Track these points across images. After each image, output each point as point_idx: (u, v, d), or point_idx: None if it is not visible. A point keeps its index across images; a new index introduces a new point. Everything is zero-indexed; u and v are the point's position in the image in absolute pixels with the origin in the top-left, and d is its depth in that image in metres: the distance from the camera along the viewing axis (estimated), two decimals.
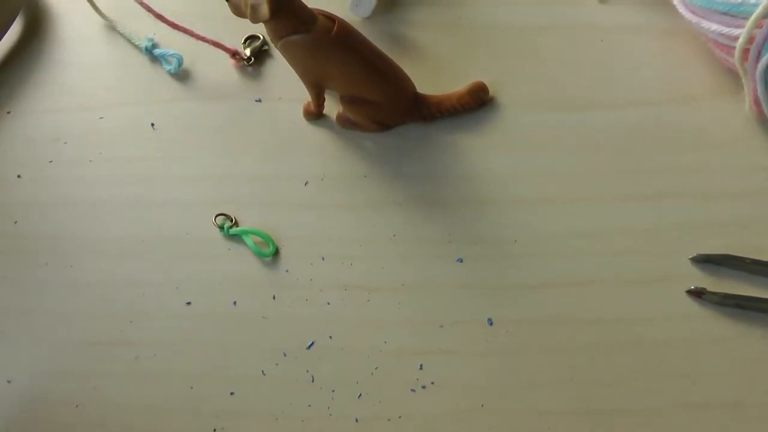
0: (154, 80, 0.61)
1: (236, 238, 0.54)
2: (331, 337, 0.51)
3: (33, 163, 0.58)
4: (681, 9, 0.56)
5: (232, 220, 0.54)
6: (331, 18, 0.52)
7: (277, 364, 0.50)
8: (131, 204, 0.56)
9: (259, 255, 0.53)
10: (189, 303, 0.52)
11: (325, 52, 0.51)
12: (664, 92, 0.57)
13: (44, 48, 0.63)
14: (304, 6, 0.51)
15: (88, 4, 0.63)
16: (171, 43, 0.62)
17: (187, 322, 0.52)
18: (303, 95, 0.57)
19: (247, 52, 0.61)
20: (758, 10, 0.48)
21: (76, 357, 0.51)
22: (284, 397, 0.50)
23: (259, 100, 0.60)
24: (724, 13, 0.51)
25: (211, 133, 0.58)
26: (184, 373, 0.51)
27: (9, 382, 0.51)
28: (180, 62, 0.61)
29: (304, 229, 0.54)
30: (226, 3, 0.51)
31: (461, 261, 0.52)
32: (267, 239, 0.53)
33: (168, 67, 0.61)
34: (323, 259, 0.53)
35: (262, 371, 0.50)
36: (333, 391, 0.50)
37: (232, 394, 0.50)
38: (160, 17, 0.60)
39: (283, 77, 0.60)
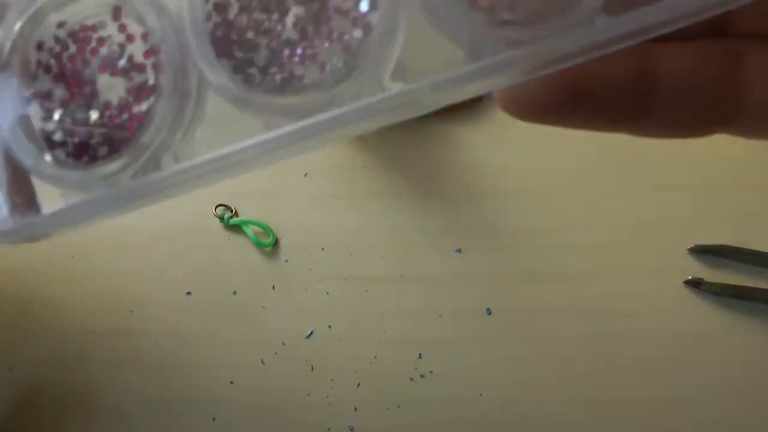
0: None
1: (236, 228, 0.54)
2: (330, 326, 0.51)
3: None
4: None
5: (232, 211, 0.55)
6: None
7: (276, 354, 0.51)
8: None
9: (259, 245, 0.53)
10: (189, 293, 0.52)
11: None
12: None
13: None
14: None
15: None
16: None
17: (187, 311, 0.52)
18: None
19: None
20: None
21: (76, 346, 0.52)
22: (283, 386, 0.50)
23: None
24: None
25: None
26: (184, 362, 0.51)
27: (10, 370, 0.51)
28: None
29: (303, 219, 0.54)
30: None
31: (460, 251, 0.52)
32: (267, 230, 0.54)
33: None
34: (322, 249, 0.53)
35: (262, 360, 0.51)
36: (332, 380, 0.50)
37: (231, 383, 0.50)
38: None
39: None
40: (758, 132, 0.26)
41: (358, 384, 0.50)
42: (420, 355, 0.50)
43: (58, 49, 0.30)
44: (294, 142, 0.25)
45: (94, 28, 0.30)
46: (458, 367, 0.49)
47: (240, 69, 0.27)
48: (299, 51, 0.27)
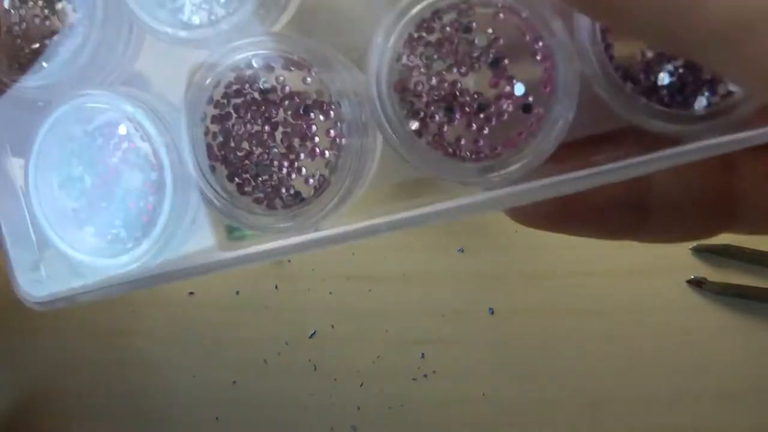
0: None
1: (238, 228, 0.54)
2: (333, 326, 0.51)
3: None
4: None
5: None
6: None
7: (279, 354, 0.51)
8: None
9: None
10: (192, 293, 0.52)
11: None
12: None
13: None
14: None
15: None
16: None
17: (190, 311, 0.52)
18: None
19: None
20: None
21: (80, 346, 0.51)
22: (286, 385, 0.50)
23: None
24: None
25: None
26: (187, 362, 0.51)
27: (11, 370, 0.51)
28: None
29: None
30: None
31: (462, 251, 0.52)
32: None
33: None
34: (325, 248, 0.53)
35: (264, 360, 0.50)
36: (335, 379, 0.50)
37: (234, 383, 0.50)
38: None
39: None
40: (759, 232, 0.26)
41: (361, 384, 0.50)
42: (423, 354, 0.50)
43: (87, 140, 0.33)
44: (270, 256, 0.27)
45: (115, 125, 0.33)
46: (461, 367, 0.50)
47: (234, 176, 0.30)
48: (286, 163, 0.29)
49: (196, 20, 0.29)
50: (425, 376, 0.50)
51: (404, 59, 0.24)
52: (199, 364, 0.51)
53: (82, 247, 0.33)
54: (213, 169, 0.30)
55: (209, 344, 0.51)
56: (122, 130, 0.34)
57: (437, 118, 0.24)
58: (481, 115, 0.23)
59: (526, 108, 0.23)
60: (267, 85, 0.28)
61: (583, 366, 0.49)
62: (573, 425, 0.48)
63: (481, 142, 0.24)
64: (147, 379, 0.51)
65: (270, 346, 0.51)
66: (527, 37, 0.23)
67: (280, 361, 0.50)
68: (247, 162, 0.30)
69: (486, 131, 0.23)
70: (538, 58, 0.23)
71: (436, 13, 0.23)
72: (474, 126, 0.24)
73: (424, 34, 0.23)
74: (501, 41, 0.23)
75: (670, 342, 0.49)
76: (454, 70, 0.23)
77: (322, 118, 0.28)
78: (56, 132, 0.32)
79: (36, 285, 0.34)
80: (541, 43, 0.22)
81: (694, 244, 0.51)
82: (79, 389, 0.51)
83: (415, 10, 0.23)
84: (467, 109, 0.23)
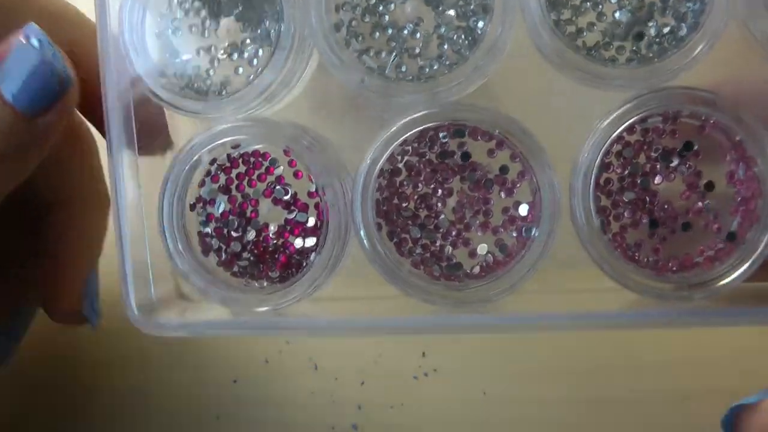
0: None
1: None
2: None
3: None
4: None
5: None
6: None
7: (280, 352, 0.50)
8: None
9: None
10: None
11: None
12: None
13: None
14: None
15: None
16: None
17: None
18: None
19: None
20: None
21: (78, 346, 0.51)
22: (287, 384, 0.50)
23: None
24: None
25: None
26: (187, 361, 0.50)
27: (10, 370, 0.50)
28: None
29: None
30: None
31: None
32: None
33: None
34: None
35: (265, 359, 0.50)
36: (336, 379, 0.50)
37: (235, 381, 0.50)
38: None
39: None
40: None
41: (362, 382, 0.50)
42: (424, 353, 0.50)
43: (228, 165, 0.31)
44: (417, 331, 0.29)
45: (265, 156, 0.31)
46: (462, 366, 0.50)
47: (394, 235, 0.28)
48: (453, 233, 0.28)
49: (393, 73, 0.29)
50: (426, 374, 0.50)
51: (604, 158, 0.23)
52: (200, 363, 0.50)
53: (205, 273, 0.32)
54: (379, 226, 0.29)
55: (209, 343, 0.50)
56: (271, 161, 0.31)
57: (622, 219, 0.24)
58: (671, 226, 0.23)
59: (731, 236, 0.23)
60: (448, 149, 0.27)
61: (584, 365, 0.49)
62: (573, 425, 0.48)
63: (661, 252, 0.23)
64: (146, 378, 0.50)
65: (271, 345, 0.50)
66: (728, 158, 0.22)
67: (281, 360, 0.50)
68: (409, 224, 0.29)
69: (666, 242, 0.24)
70: (737, 181, 0.22)
71: (644, 120, 0.22)
72: (657, 235, 0.24)
73: (624, 135, 0.23)
74: (700, 156, 0.23)
75: (671, 340, 0.49)
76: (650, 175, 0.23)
77: (503, 195, 0.27)
78: (196, 153, 0.31)
79: (148, 311, 0.33)
80: (743, 169, 0.22)
81: None
82: (75, 389, 0.50)
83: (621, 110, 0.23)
84: (656, 216, 0.23)
